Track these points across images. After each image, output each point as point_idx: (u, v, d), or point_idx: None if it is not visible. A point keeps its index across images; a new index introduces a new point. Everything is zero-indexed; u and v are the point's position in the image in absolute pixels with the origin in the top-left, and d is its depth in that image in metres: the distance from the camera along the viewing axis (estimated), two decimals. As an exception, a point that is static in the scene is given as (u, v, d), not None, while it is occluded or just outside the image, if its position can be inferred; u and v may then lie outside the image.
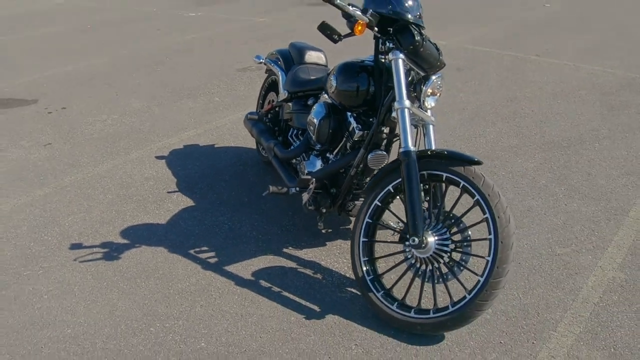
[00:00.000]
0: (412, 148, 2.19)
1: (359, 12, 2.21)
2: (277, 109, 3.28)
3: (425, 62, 2.30)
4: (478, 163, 2.17)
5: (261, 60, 3.43)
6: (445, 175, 2.19)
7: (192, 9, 8.69)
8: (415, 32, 2.25)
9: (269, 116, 3.33)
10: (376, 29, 2.29)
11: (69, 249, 2.75)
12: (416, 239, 2.12)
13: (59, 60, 6.05)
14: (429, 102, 2.35)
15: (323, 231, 2.86)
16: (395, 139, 2.51)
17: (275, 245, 2.77)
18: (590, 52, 5.93)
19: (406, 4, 2.26)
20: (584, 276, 2.55)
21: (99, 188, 3.32)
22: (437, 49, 2.37)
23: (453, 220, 2.22)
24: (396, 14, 2.25)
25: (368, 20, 2.23)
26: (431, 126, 2.40)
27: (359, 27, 2.19)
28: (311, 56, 3.15)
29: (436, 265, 2.19)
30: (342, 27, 2.35)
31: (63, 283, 2.52)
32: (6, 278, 2.57)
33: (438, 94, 2.37)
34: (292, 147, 2.92)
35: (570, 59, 5.69)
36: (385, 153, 2.47)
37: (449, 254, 2.18)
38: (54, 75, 5.49)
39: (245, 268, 2.61)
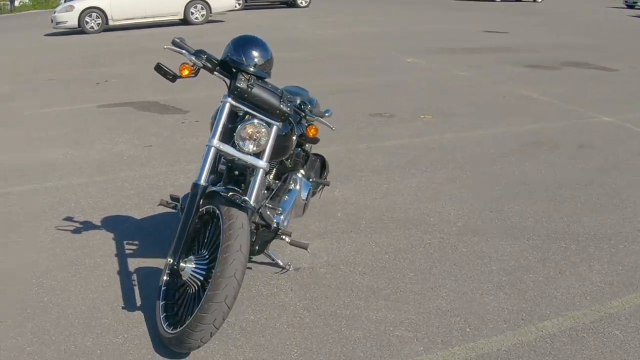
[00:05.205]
0: (202, 183, 2.39)
1: (191, 57, 2.48)
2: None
3: (257, 108, 2.48)
4: (244, 210, 2.31)
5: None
6: (217, 212, 2.37)
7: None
8: (242, 79, 2.45)
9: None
10: (216, 73, 2.56)
11: (42, 218, 3.54)
12: (170, 260, 2.36)
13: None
14: (245, 145, 2.44)
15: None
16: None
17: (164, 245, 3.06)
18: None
19: (243, 56, 2.49)
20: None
21: (124, 186, 3.94)
22: (281, 98, 2.52)
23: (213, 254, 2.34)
24: (233, 62, 2.50)
25: (202, 65, 2.51)
26: (261, 170, 2.49)
27: (184, 70, 2.51)
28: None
29: (194, 289, 2.36)
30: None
31: (25, 230, 3.33)
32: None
33: (258, 139, 2.44)
34: None
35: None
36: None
37: (200, 281, 2.33)
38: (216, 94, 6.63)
39: (128, 258, 3.04)
